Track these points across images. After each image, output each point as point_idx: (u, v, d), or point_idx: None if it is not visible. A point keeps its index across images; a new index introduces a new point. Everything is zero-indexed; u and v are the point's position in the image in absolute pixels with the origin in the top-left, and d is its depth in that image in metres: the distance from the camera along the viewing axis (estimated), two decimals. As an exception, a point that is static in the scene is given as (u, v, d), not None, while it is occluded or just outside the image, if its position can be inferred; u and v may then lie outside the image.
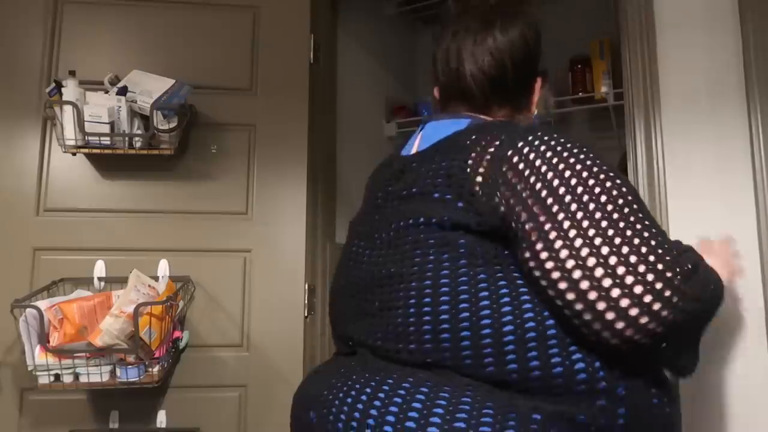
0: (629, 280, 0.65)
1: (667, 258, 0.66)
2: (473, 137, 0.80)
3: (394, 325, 0.76)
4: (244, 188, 1.62)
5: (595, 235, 0.67)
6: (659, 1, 1.33)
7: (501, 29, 0.89)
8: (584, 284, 0.66)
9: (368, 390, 0.72)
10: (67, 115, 1.39)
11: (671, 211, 1.28)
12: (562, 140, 0.75)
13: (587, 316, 0.66)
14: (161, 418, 1.50)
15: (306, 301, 1.62)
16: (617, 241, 0.66)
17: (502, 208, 0.72)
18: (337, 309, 0.93)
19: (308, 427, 0.77)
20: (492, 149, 0.76)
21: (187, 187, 1.60)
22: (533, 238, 0.69)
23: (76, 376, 1.31)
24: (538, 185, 0.71)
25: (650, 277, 0.65)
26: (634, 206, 0.70)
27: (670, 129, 1.29)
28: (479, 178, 0.75)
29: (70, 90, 1.40)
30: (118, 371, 1.32)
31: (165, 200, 1.58)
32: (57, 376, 1.30)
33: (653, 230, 0.69)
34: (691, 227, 1.25)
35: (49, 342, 1.29)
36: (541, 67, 0.96)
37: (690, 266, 0.69)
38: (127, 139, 1.44)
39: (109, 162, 1.55)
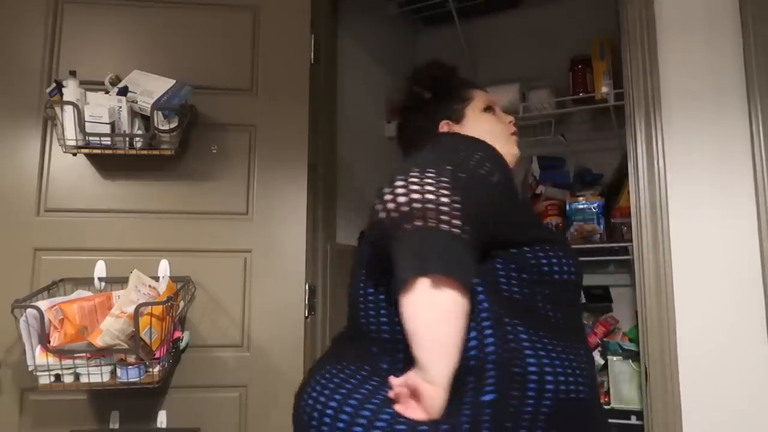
0: None
1: None
2: None
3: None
4: (244, 188, 1.62)
5: None
6: (660, 1, 1.33)
7: None
8: None
9: None
10: (68, 115, 1.39)
11: (671, 210, 1.28)
12: None
13: None
14: (162, 419, 1.50)
15: (306, 302, 1.61)
16: None
17: None
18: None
19: None
20: None
21: (188, 188, 1.60)
22: None
23: (77, 376, 1.31)
24: None
25: None
26: None
27: (670, 129, 1.29)
28: None
29: (71, 90, 1.40)
30: (118, 371, 1.32)
31: (165, 200, 1.58)
32: (57, 377, 1.30)
33: None
34: (691, 227, 1.25)
35: (49, 342, 1.29)
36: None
37: None
38: (127, 139, 1.44)
39: (109, 162, 1.55)
